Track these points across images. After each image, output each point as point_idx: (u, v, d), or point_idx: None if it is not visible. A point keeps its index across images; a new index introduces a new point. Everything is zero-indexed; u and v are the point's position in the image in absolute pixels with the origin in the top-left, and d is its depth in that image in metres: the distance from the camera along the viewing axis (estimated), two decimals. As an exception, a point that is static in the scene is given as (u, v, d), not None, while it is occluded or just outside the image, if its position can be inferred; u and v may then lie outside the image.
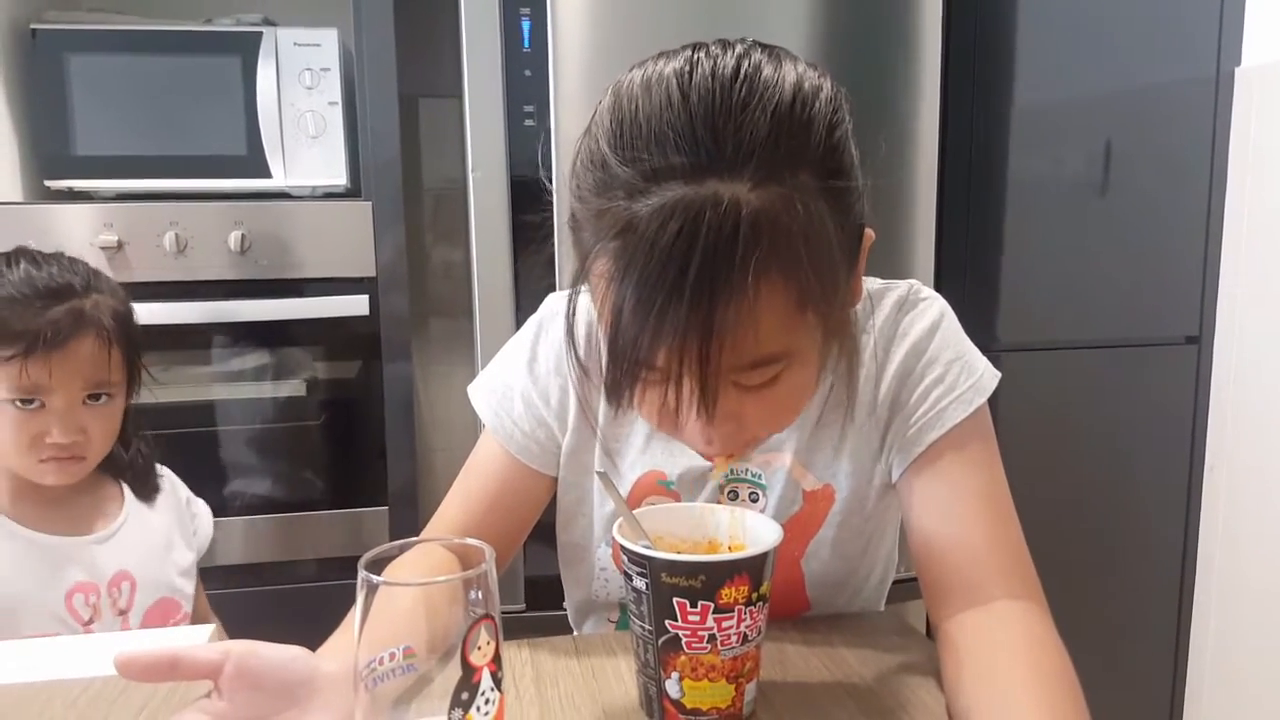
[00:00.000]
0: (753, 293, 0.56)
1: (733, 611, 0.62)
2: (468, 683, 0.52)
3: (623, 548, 0.64)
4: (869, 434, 0.79)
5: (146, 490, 1.16)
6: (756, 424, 0.66)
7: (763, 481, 0.81)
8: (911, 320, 0.78)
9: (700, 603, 0.61)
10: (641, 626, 0.64)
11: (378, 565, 0.53)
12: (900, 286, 0.80)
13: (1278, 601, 1.69)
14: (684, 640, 0.62)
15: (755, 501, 0.81)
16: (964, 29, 1.64)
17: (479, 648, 0.52)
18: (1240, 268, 1.74)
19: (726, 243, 0.55)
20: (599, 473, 0.69)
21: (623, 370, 0.60)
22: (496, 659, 0.54)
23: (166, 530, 1.16)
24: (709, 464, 0.80)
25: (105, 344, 1.04)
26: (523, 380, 0.83)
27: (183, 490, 1.22)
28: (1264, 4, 1.68)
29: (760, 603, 0.63)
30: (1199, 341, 1.80)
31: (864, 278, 0.78)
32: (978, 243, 1.72)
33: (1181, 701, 1.88)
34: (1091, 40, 1.70)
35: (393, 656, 0.52)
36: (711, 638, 0.62)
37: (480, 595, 0.53)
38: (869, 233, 0.67)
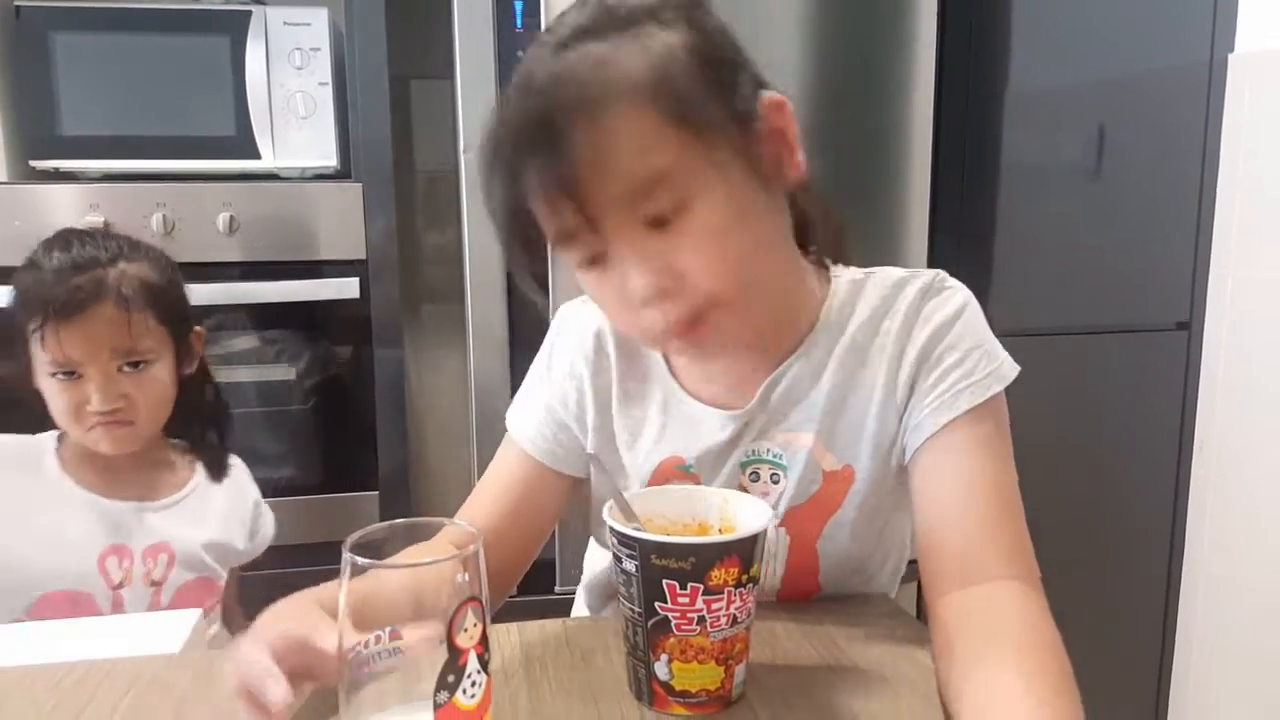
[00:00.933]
0: (602, 112, 0.63)
1: (722, 593, 0.62)
2: (454, 665, 0.52)
3: (612, 529, 0.64)
4: (888, 416, 0.78)
5: (217, 470, 1.18)
6: (689, 267, 0.67)
7: (783, 462, 0.80)
8: (935, 306, 0.78)
9: (690, 585, 0.61)
10: (631, 609, 0.64)
11: (362, 548, 0.53)
12: (926, 275, 0.81)
13: (1264, 584, 1.70)
14: (673, 622, 0.62)
15: (776, 483, 0.81)
16: (959, 13, 1.63)
17: (465, 630, 0.52)
18: (1231, 254, 1.74)
19: (574, 77, 0.64)
20: (590, 454, 0.69)
21: (513, 230, 0.69)
22: (484, 641, 0.53)
23: (225, 515, 1.17)
24: (724, 439, 0.80)
25: (124, 310, 1.05)
26: (542, 388, 0.86)
27: (253, 489, 1.23)
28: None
29: (750, 584, 0.63)
30: (1189, 327, 1.80)
31: (890, 268, 0.81)
32: (971, 227, 1.71)
33: (1168, 680, 1.89)
34: (1086, 25, 1.69)
35: (379, 639, 0.52)
36: (701, 620, 0.62)
37: (467, 578, 0.52)
38: (779, 97, 0.71)
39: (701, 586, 0.61)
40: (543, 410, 0.85)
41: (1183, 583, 1.86)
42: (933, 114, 1.60)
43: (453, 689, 0.52)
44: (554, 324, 0.88)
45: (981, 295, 0.84)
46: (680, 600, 0.61)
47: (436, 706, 0.52)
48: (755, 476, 0.81)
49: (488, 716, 0.55)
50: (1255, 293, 1.71)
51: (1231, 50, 1.72)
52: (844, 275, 0.82)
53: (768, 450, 0.80)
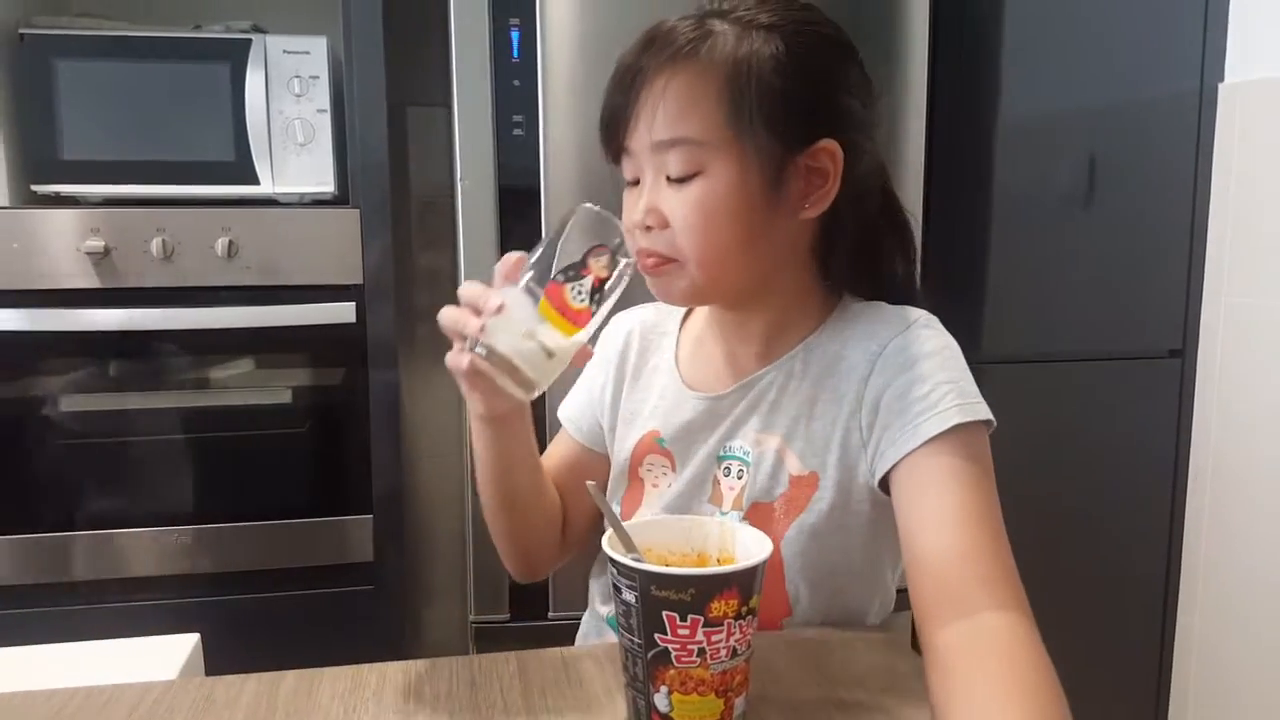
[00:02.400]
0: (676, 70, 0.77)
1: (722, 625, 0.62)
2: (576, 267, 0.71)
3: (611, 560, 0.64)
4: (852, 430, 0.82)
5: None
6: (674, 223, 0.79)
7: (749, 459, 0.85)
8: (913, 339, 0.81)
9: (690, 616, 0.61)
10: (630, 640, 0.64)
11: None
12: (915, 313, 0.84)
13: (1262, 612, 1.70)
14: (673, 654, 0.62)
15: (741, 479, 0.86)
16: (950, 42, 1.65)
17: (597, 260, 0.72)
18: (1223, 282, 1.76)
19: (682, 34, 0.78)
20: (589, 485, 0.69)
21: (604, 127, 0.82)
22: (604, 286, 0.72)
23: None
24: (696, 418, 0.88)
25: None
26: (585, 379, 1.01)
27: None
28: (1247, 20, 1.70)
29: (750, 616, 0.64)
30: (1182, 355, 1.81)
31: (886, 304, 0.86)
32: (963, 255, 1.73)
33: (1165, 710, 1.89)
34: (1077, 54, 1.71)
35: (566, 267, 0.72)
36: (701, 651, 0.62)
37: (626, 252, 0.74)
38: (836, 147, 0.80)
39: (702, 618, 0.61)
40: (583, 395, 1.00)
41: (1179, 610, 1.86)
42: (925, 143, 1.62)
43: (566, 278, 0.71)
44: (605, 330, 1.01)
45: (974, 323, 0.86)
46: (680, 632, 0.62)
47: (550, 281, 0.71)
48: (727, 471, 0.87)
49: (580, 332, 0.72)
50: (1248, 320, 1.72)
51: (1221, 79, 1.74)
52: (846, 303, 0.88)
53: (740, 448, 0.87)
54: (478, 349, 0.70)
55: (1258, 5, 1.68)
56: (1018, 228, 1.74)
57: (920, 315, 0.84)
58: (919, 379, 0.78)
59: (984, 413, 0.77)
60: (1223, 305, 1.76)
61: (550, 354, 0.71)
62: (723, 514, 0.86)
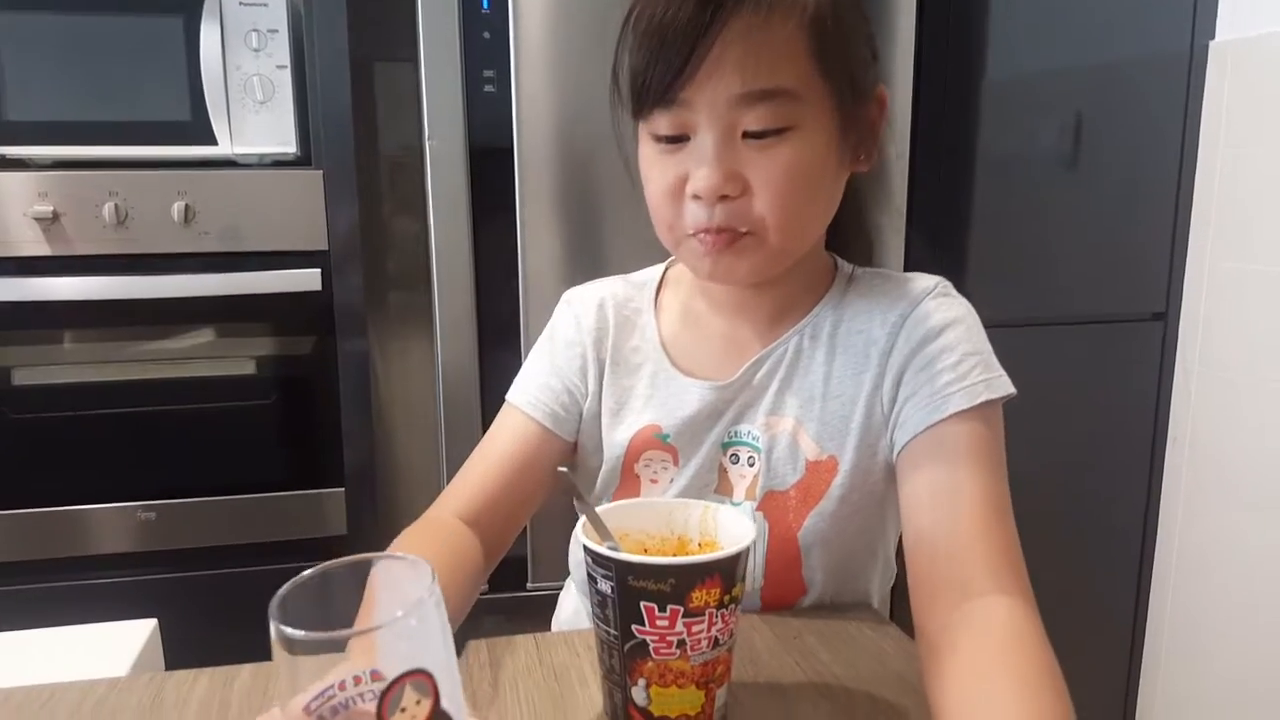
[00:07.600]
0: (769, 12, 0.67)
1: (703, 615, 0.58)
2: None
3: (586, 549, 0.60)
4: (875, 410, 0.78)
5: None
6: (757, 187, 0.70)
7: (759, 445, 0.80)
8: (934, 308, 0.78)
9: (669, 607, 0.58)
10: (607, 631, 0.61)
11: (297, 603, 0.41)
12: (929, 278, 0.81)
13: (1235, 575, 1.70)
14: (652, 646, 0.59)
15: (753, 466, 0.80)
16: (937, 1, 1.60)
17: (403, 709, 0.39)
18: (1208, 245, 1.73)
19: None
20: (560, 470, 0.65)
21: (652, 82, 0.69)
22: (436, 713, 0.40)
23: None
24: (703, 411, 0.80)
25: None
26: (545, 357, 0.87)
27: None
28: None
29: (732, 605, 0.60)
30: (1165, 318, 1.79)
31: (891, 270, 0.83)
32: (947, 216, 1.69)
33: (1138, 672, 1.89)
34: (1065, 13, 1.67)
35: (358, 680, 0.39)
36: (681, 643, 0.59)
37: (409, 645, 0.39)
38: (885, 92, 0.76)
39: (682, 609, 0.58)
40: (545, 374, 0.85)
41: (1154, 575, 1.86)
42: (911, 103, 1.57)
43: None
44: (557, 307, 0.90)
45: (956, 285, 0.83)
46: (659, 623, 0.58)
47: None
48: (735, 459, 0.81)
49: None
50: (1231, 283, 1.70)
51: (1212, 38, 1.70)
52: (847, 270, 0.84)
53: (748, 432, 0.80)
54: None
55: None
56: (1002, 189, 1.70)
57: (936, 282, 0.80)
58: (946, 349, 0.75)
59: (1007, 387, 0.76)
60: (1207, 269, 1.74)
61: None
62: (734, 504, 0.80)
